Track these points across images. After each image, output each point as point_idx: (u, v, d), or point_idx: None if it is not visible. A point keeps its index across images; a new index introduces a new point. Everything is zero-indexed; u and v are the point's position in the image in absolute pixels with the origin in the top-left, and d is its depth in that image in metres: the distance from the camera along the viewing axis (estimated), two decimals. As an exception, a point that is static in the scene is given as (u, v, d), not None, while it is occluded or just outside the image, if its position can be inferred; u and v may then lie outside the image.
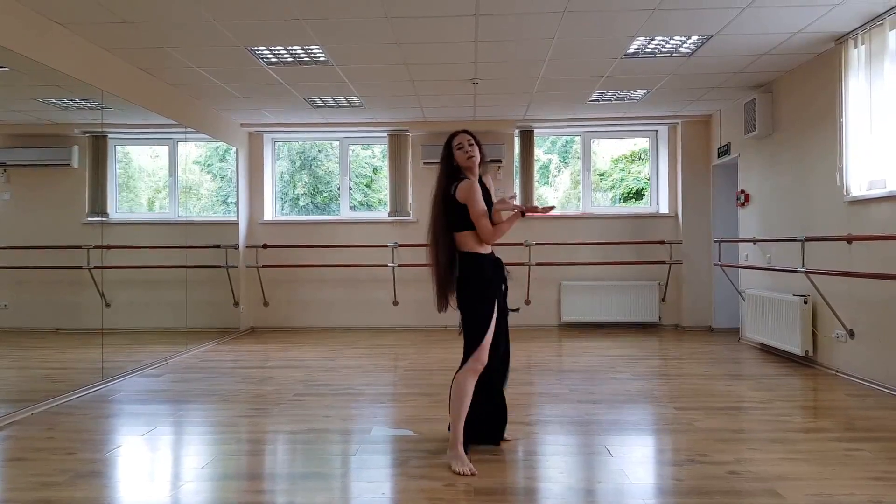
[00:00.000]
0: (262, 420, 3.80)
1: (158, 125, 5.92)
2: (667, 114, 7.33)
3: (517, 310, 3.25)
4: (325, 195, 8.81)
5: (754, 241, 6.23)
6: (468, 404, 2.96)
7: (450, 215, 3.03)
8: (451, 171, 3.09)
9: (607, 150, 8.82)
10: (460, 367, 3.01)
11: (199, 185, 7.27)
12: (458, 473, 2.80)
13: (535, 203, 7.73)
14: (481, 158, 3.13)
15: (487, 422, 3.20)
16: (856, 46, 4.55)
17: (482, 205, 2.97)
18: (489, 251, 3.09)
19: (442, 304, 3.08)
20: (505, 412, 3.26)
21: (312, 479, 2.82)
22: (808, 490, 2.61)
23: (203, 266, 6.87)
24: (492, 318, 2.97)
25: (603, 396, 4.26)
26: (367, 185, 9.29)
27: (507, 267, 3.20)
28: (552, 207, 3.09)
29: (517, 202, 3.18)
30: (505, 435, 3.30)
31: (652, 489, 2.68)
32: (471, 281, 3.01)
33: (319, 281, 7.81)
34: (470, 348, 2.98)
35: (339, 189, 8.23)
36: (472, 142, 3.09)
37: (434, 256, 3.09)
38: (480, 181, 3.12)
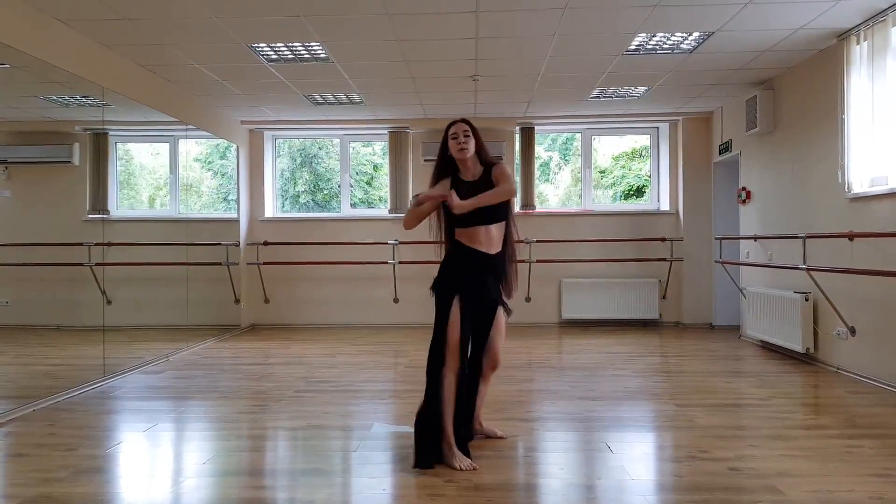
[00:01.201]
0: (262, 416, 3.80)
1: (159, 122, 5.92)
2: (668, 111, 7.32)
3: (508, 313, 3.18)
4: (325, 192, 8.80)
5: (755, 238, 6.23)
6: (450, 402, 2.90)
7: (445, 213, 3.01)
8: (443, 163, 3.03)
9: (608, 148, 8.81)
10: (427, 370, 3.00)
11: (199, 182, 7.28)
12: (459, 469, 2.79)
13: (535, 200, 7.71)
14: (483, 153, 3.01)
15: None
16: (858, 43, 4.53)
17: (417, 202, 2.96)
18: (480, 248, 2.95)
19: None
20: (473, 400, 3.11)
21: (313, 475, 2.83)
22: (809, 486, 2.61)
23: (204, 263, 6.87)
24: (449, 311, 2.89)
25: (603, 393, 4.26)
26: (368, 183, 9.28)
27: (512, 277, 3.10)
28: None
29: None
30: (499, 433, 3.28)
31: (652, 485, 2.68)
32: (443, 269, 2.99)
33: (320, 278, 7.81)
34: (433, 340, 2.96)
35: (339, 186, 8.22)
36: (469, 132, 2.95)
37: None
38: (487, 176, 2.96)
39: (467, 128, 2.97)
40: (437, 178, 3.08)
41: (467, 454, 2.90)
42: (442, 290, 2.94)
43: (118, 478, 2.85)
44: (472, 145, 2.94)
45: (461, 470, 2.79)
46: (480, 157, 3.03)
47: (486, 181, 2.96)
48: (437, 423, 2.88)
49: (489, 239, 2.95)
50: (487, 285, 2.99)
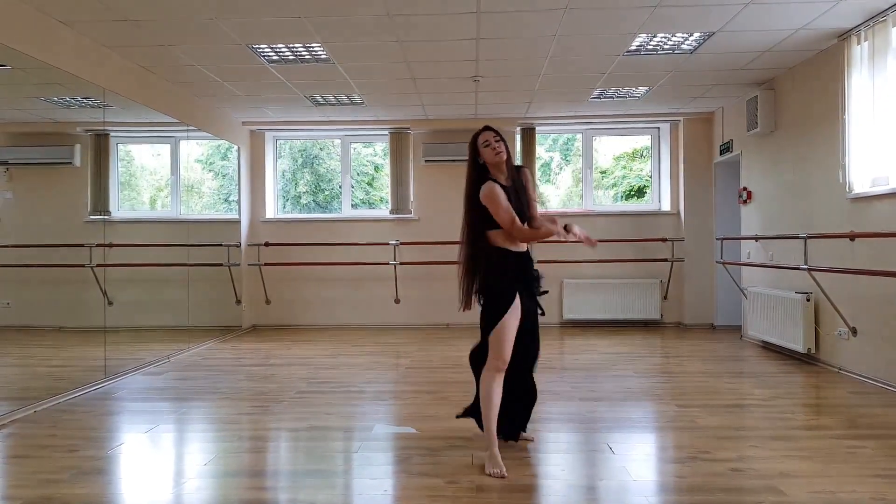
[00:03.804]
0: (264, 417, 3.80)
1: (160, 123, 5.92)
2: (668, 111, 7.32)
3: (543, 313, 3.17)
4: (326, 193, 8.81)
5: (756, 238, 6.22)
6: (497, 404, 2.91)
7: (480, 216, 2.98)
8: (479, 171, 3.03)
9: (609, 148, 8.81)
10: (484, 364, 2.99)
11: (200, 183, 7.28)
12: (489, 475, 2.77)
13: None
14: (508, 155, 3.07)
15: (510, 414, 3.14)
16: (858, 43, 4.53)
17: (505, 204, 2.91)
18: (521, 248, 3.02)
19: (467, 303, 3.01)
20: (531, 404, 3.21)
21: (315, 476, 2.83)
22: (811, 487, 2.60)
23: (205, 264, 6.87)
24: (505, 314, 2.90)
25: (605, 394, 4.26)
26: (369, 183, 9.29)
27: (540, 271, 3.12)
28: (592, 242, 3.00)
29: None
30: (525, 434, 3.27)
31: (654, 486, 2.68)
32: (491, 276, 2.96)
33: (321, 279, 7.81)
34: (488, 345, 2.93)
35: (340, 187, 8.23)
36: (499, 138, 3.02)
37: (464, 253, 3.04)
38: (518, 178, 3.07)
39: (496, 134, 3.03)
40: (474, 191, 3.00)
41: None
42: (501, 294, 2.92)
43: (120, 479, 2.86)
44: (504, 147, 3.01)
45: (490, 475, 2.76)
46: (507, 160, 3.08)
47: (519, 183, 3.06)
48: (488, 427, 2.90)
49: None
50: (533, 284, 3.08)
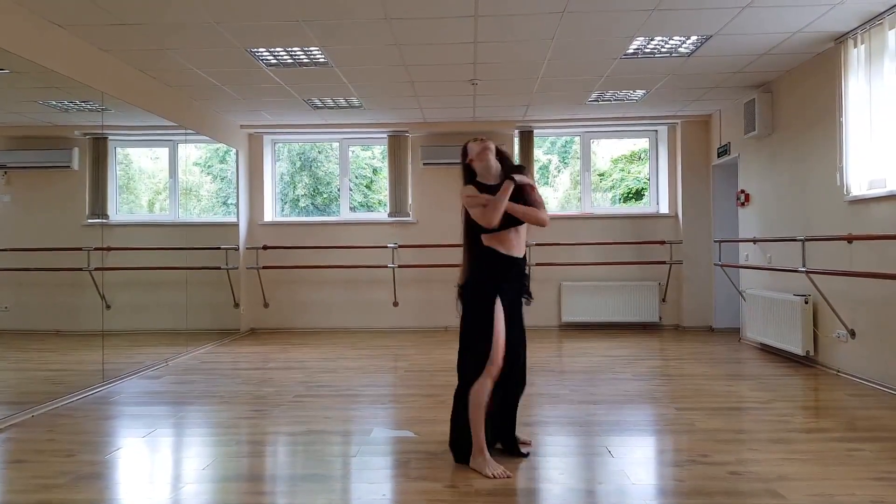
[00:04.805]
0: (262, 422, 3.79)
1: (158, 127, 5.92)
2: (666, 114, 7.33)
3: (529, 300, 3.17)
4: (325, 196, 8.81)
5: (754, 240, 6.23)
6: (483, 411, 2.88)
7: (469, 219, 3.03)
8: (468, 176, 3.11)
9: (607, 151, 8.83)
10: (461, 376, 2.94)
11: (199, 186, 7.28)
12: (494, 477, 2.76)
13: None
14: (505, 162, 3.12)
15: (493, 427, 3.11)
16: (855, 46, 4.55)
17: (479, 201, 2.93)
18: (513, 253, 2.98)
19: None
20: (512, 424, 3.13)
21: (313, 480, 2.82)
22: (810, 490, 2.60)
23: (203, 268, 6.87)
24: (491, 317, 2.88)
25: (603, 397, 4.26)
26: (367, 186, 9.29)
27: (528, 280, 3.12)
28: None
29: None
30: (522, 438, 3.25)
31: (653, 490, 2.68)
32: (477, 277, 2.96)
33: (319, 282, 7.81)
34: (466, 349, 2.92)
35: (338, 190, 8.23)
36: (483, 139, 3.11)
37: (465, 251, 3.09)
38: (515, 182, 3.02)
39: (482, 140, 3.12)
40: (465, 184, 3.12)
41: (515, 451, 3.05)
42: (483, 296, 2.92)
43: (118, 484, 2.85)
44: (492, 145, 3.08)
45: (496, 477, 2.76)
46: (504, 164, 3.11)
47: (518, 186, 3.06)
48: (466, 431, 2.89)
49: (519, 241, 3.02)
50: (520, 289, 3.08)
